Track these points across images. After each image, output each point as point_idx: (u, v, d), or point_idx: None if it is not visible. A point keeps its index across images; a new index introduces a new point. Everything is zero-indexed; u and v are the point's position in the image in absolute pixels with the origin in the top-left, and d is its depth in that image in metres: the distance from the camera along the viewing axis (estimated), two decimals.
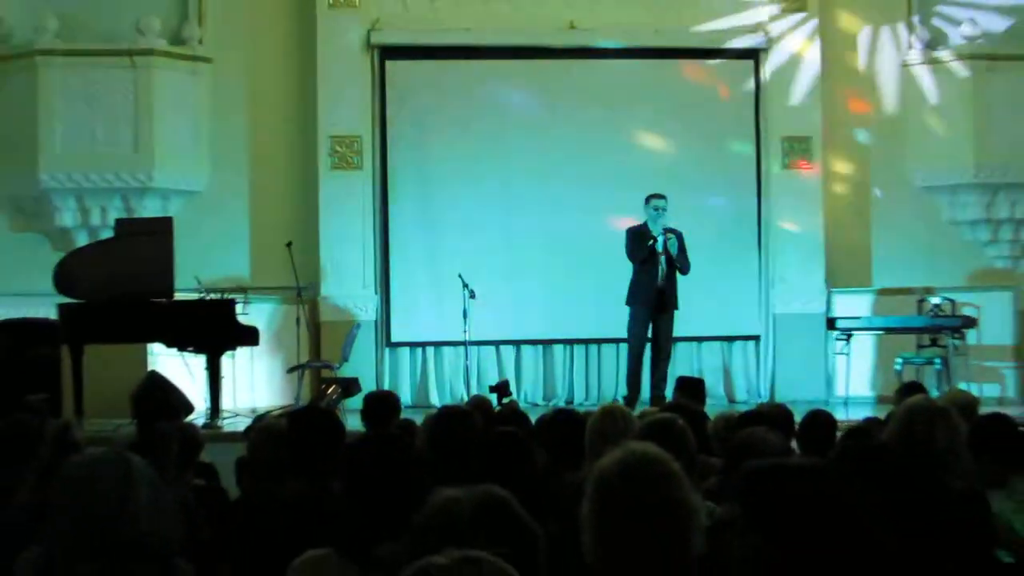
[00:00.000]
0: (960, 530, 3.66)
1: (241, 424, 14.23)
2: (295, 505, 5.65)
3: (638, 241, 15.73)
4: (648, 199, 15.82)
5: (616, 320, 16.28)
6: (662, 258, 15.62)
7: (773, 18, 18.13)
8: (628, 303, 15.85)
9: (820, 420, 8.33)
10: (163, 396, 12.61)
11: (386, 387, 16.50)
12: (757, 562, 3.09)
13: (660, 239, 15.61)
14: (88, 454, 4.57)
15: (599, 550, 3.93)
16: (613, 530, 3.92)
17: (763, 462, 3.34)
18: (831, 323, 17.29)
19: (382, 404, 9.72)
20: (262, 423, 7.63)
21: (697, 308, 16.07)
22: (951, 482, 5.27)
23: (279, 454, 6.45)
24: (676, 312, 15.81)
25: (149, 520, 4.11)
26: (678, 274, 15.78)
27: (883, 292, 17.96)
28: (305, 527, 5.21)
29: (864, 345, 17.07)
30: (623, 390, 17.03)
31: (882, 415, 9.81)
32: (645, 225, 15.76)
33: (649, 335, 15.86)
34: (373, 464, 4.61)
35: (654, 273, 15.64)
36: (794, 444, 7.93)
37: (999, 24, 18.01)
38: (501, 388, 13.25)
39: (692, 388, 11.73)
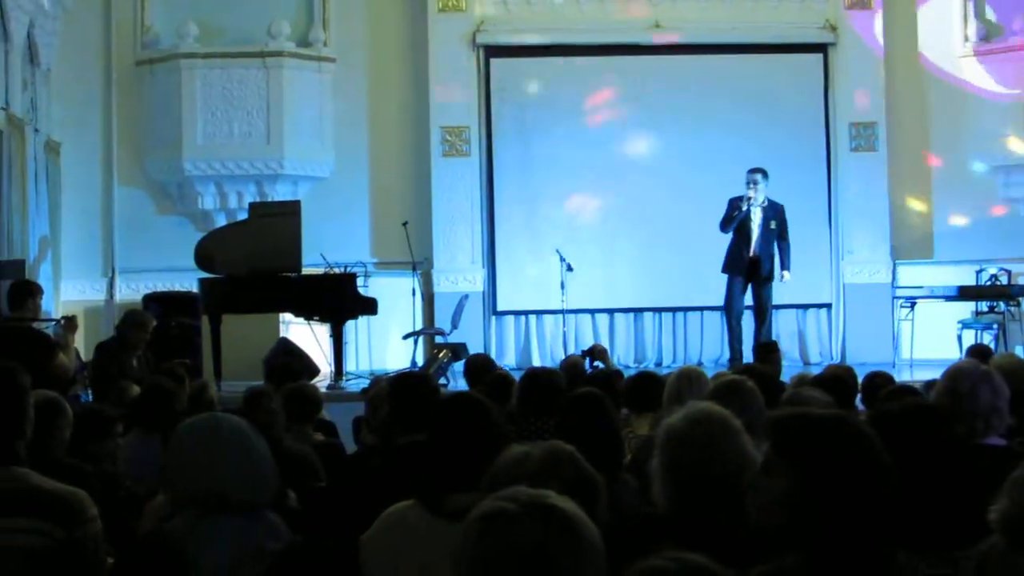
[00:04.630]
0: (992, 485, 3.55)
1: (362, 385, 14.33)
2: (399, 458, 5.63)
3: (729, 209, 15.59)
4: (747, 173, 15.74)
5: (700, 289, 16.33)
6: (755, 228, 15.46)
7: (840, 14, 17.94)
8: (724, 271, 15.68)
9: (878, 381, 8.40)
10: (291, 360, 12.70)
11: (492, 352, 16.54)
12: (781, 501, 3.04)
13: (746, 207, 15.47)
14: (191, 419, 4.60)
15: (667, 498, 3.92)
16: (679, 480, 3.91)
17: (791, 410, 3.28)
18: (897, 292, 17.11)
19: (479, 367, 9.72)
20: (376, 386, 7.62)
21: (775, 279, 15.86)
22: (992, 440, 5.15)
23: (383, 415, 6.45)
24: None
25: (234, 478, 4.14)
26: (779, 244, 15.71)
27: (944, 263, 17.75)
28: (405, 479, 5.19)
29: (926, 312, 16.80)
30: (709, 353, 17.19)
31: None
32: (743, 196, 15.60)
33: (749, 302, 15.75)
34: (451, 420, 4.58)
35: (746, 242, 15.48)
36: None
37: None
38: (593, 352, 13.16)
39: (766, 351, 11.69)
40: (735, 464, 3.94)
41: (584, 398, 6.16)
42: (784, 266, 15.72)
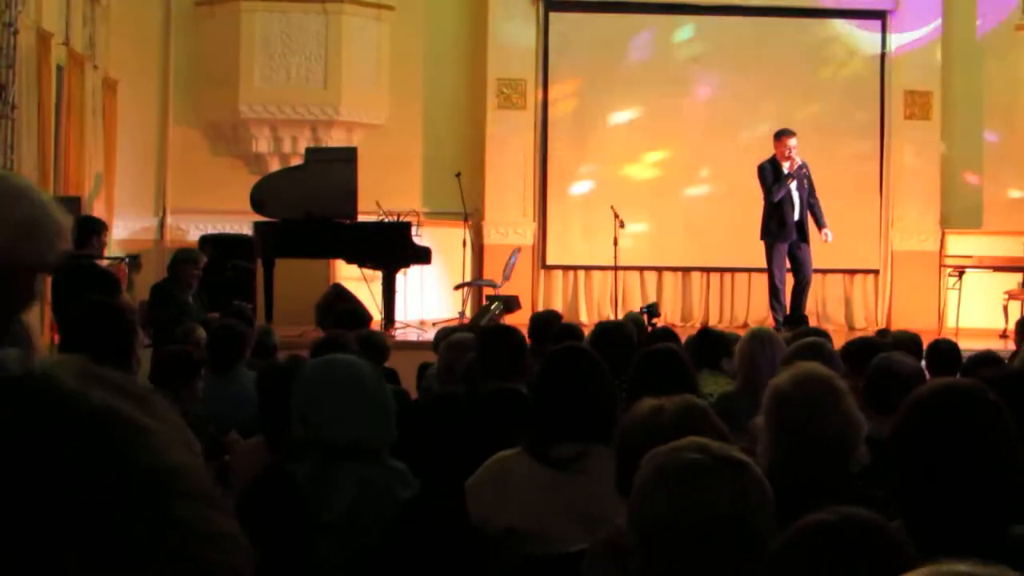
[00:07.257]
0: None
1: (411, 334, 14.43)
2: (488, 406, 5.69)
3: (775, 177, 14.91)
4: (780, 135, 15.15)
5: (746, 250, 16.11)
6: (794, 191, 14.89)
7: None
8: (763, 237, 15.09)
9: (943, 348, 8.41)
10: (345, 306, 12.76)
11: (540, 306, 16.57)
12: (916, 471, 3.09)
13: (805, 171, 14.95)
14: (311, 361, 4.66)
15: (771, 458, 3.96)
16: (786, 440, 3.95)
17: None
18: (944, 260, 17.10)
19: (545, 323, 9.73)
20: (452, 337, 7.67)
21: (822, 243, 15.70)
22: None
23: (467, 363, 6.51)
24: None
25: (355, 423, 4.22)
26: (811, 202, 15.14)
27: (993, 234, 17.70)
28: (496, 426, 5.27)
29: (973, 281, 16.77)
30: (755, 314, 16.95)
31: (991, 346, 9.86)
32: (773, 159, 15.08)
33: (788, 266, 15.17)
34: (561, 372, 4.64)
35: (790, 207, 14.89)
36: None
37: None
38: (651, 310, 13.21)
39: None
40: (840, 425, 3.99)
41: (662, 353, 6.12)
42: (822, 224, 15.19)
